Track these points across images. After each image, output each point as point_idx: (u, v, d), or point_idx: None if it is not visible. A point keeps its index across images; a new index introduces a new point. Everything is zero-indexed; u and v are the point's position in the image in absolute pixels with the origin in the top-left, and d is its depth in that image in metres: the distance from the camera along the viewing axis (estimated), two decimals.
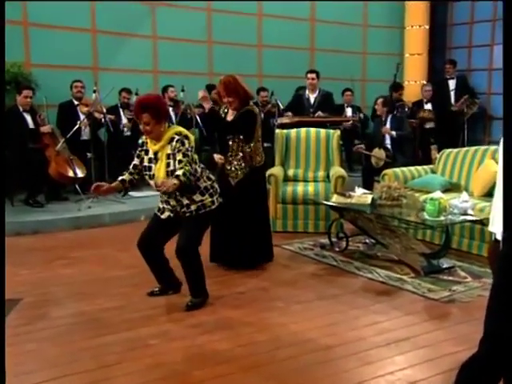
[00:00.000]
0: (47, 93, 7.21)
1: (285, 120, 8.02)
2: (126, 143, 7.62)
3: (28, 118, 6.84)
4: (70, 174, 6.67)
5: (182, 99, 8.18)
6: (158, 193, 3.94)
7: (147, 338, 3.47)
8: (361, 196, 5.20)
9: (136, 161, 3.97)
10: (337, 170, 6.03)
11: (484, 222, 4.53)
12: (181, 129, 3.89)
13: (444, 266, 4.77)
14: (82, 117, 7.37)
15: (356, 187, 5.54)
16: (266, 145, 6.43)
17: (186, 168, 3.68)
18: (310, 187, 6.00)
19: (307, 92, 8.43)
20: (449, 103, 9.50)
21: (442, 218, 4.58)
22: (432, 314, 3.92)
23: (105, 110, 7.41)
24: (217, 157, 4.79)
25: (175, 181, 3.61)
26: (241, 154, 4.69)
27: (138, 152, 3.98)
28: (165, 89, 8.29)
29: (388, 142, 7.40)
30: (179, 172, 3.66)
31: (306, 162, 6.37)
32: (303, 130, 6.51)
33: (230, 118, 4.70)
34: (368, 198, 5.09)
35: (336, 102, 8.96)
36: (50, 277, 4.68)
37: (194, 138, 4.05)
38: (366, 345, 3.39)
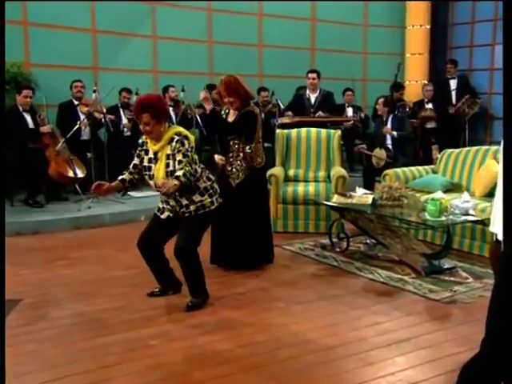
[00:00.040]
0: (47, 93, 7.20)
1: (285, 120, 8.01)
2: (126, 143, 7.62)
3: (28, 117, 6.83)
4: (70, 174, 6.66)
5: (182, 99, 8.17)
6: (157, 193, 3.93)
7: (147, 339, 3.46)
8: (362, 196, 5.19)
9: (136, 160, 3.96)
10: (337, 170, 6.02)
11: (485, 223, 4.52)
12: (181, 129, 3.87)
13: (445, 267, 4.76)
14: (82, 117, 7.36)
15: (357, 187, 5.53)
16: (266, 145, 6.43)
17: (187, 169, 3.67)
18: (311, 187, 5.99)
19: (308, 92, 8.42)
20: (449, 104, 9.49)
21: (443, 218, 4.57)
22: (433, 314, 3.90)
23: (105, 110, 7.40)
24: (217, 157, 4.78)
25: (175, 182, 3.60)
26: (242, 155, 4.68)
27: (137, 152, 3.97)
28: (165, 89, 8.28)
29: (389, 142, 7.39)
30: (179, 173, 3.65)
31: (307, 162, 6.35)
32: (304, 129, 6.50)
33: (231, 118, 4.69)
34: (369, 199, 5.08)
35: (337, 102, 8.95)
36: (49, 277, 4.67)
37: (194, 138, 4.05)
38: (367, 345, 3.38)
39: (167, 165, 3.76)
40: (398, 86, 9.31)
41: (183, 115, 8.16)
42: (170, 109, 7.94)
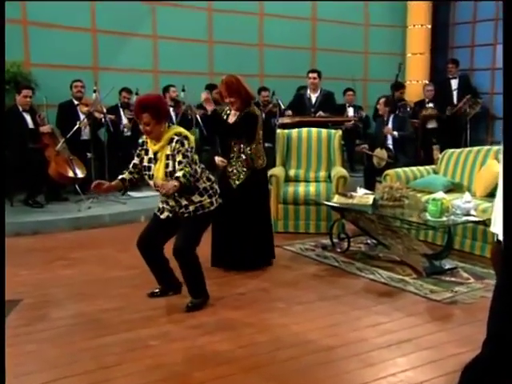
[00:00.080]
0: (47, 92, 7.19)
1: (286, 120, 8.00)
2: (126, 143, 7.61)
3: (28, 117, 6.82)
4: (70, 174, 6.65)
5: (182, 99, 8.16)
6: (157, 193, 3.93)
7: (147, 339, 3.45)
8: (362, 196, 5.18)
9: (136, 160, 3.96)
10: (338, 171, 6.01)
11: (487, 223, 4.51)
12: (181, 129, 3.86)
13: (446, 267, 4.75)
14: (82, 117, 7.35)
15: (358, 187, 5.52)
16: (267, 145, 6.43)
17: (186, 169, 3.66)
18: (312, 187, 5.98)
19: (308, 92, 8.41)
20: (449, 104, 9.47)
21: (445, 218, 4.56)
22: (434, 315, 3.89)
23: (105, 110, 7.39)
24: (218, 159, 4.76)
25: (175, 183, 3.60)
26: (243, 157, 4.66)
27: (138, 151, 3.96)
28: (166, 89, 8.27)
29: (390, 142, 7.39)
30: (179, 173, 3.64)
31: (308, 162, 6.34)
32: (304, 129, 6.49)
33: (231, 119, 4.68)
34: (370, 199, 5.07)
35: (338, 102, 8.93)
36: (49, 277, 4.67)
37: (195, 138, 4.03)
38: (368, 346, 3.37)
39: (167, 165, 3.75)
40: (398, 85, 9.29)
41: (183, 115, 8.15)
42: (171, 109, 7.93)
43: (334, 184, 5.87)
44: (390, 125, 7.40)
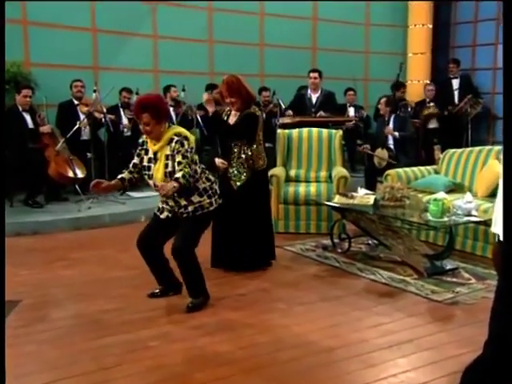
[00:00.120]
0: (47, 92, 7.17)
1: (286, 120, 7.98)
2: (126, 143, 7.60)
3: (27, 117, 6.81)
4: (70, 174, 6.64)
5: (182, 99, 8.14)
6: (157, 193, 3.91)
7: (147, 340, 3.44)
8: (363, 197, 5.17)
9: (136, 160, 3.95)
10: (339, 171, 6.00)
11: (488, 223, 4.48)
12: (180, 129, 3.85)
13: (447, 268, 4.73)
14: (81, 117, 7.34)
15: (358, 188, 5.51)
16: (267, 145, 6.41)
17: (186, 170, 3.65)
18: (312, 188, 5.96)
19: (309, 91, 8.39)
20: (450, 104, 9.46)
21: (446, 218, 4.55)
22: (435, 315, 3.88)
23: (105, 110, 7.38)
24: (219, 161, 4.74)
25: (174, 184, 3.59)
26: (243, 157, 4.65)
27: (138, 151, 3.96)
28: (167, 88, 8.25)
29: (391, 142, 7.37)
30: (178, 174, 3.63)
31: (308, 163, 6.33)
32: (305, 129, 6.48)
33: (232, 119, 4.67)
34: (371, 199, 5.06)
35: (338, 102, 8.91)
36: (49, 278, 4.66)
37: (195, 139, 4.02)
38: (369, 347, 3.36)
39: (166, 165, 3.74)
40: (398, 85, 9.30)
41: (184, 116, 8.13)
42: (171, 109, 7.93)
43: (334, 184, 5.86)
44: (390, 125, 7.38)
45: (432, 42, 10.76)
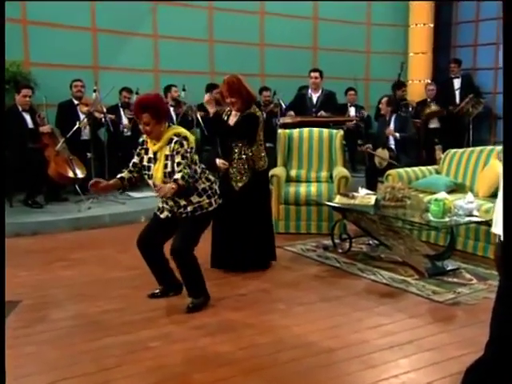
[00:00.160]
0: (47, 92, 7.16)
1: (287, 120, 7.97)
2: (126, 143, 7.58)
3: (27, 117, 6.80)
4: (70, 174, 6.63)
5: (183, 99, 8.13)
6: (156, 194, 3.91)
7: (148, 341, 3.44)
8: (364, 197, 5.16)
9: (136, 159, 3.94)
10: (340, 171, 5.99)
11: (489, 224, 4.46)
12: (180, 129, 3.84)
13: (449, 268, 4.72)
14: (81, 116, 7.33)
15: (359, 188, 5.50)
16: (268, 145, 6.40)
17: (185, 171, 3.64)
18: (313, 188, 5.95)
19: (310, 91, 8.38)
20: (452, 103, 9.44)
21: (447, 219, 4.54)
22: (436, 316, 3.87)
23: (105, 110, 7.37)
24: (219, 161, 4.73)
25: (173, 185, 3.58)
26: (244, 158, 4.64)
27: (138, 150, 3.95)
28: (168, 88, 8.24)
29: (392, 142, 7.36)
30: (178, 175, 3.62)
31: (309, 163, 6.32)
32: (306, 129, 6.47)
33: (232, 119, 4.66)
34: (371, 199, 5.05)
35: (339, 102, 8.89)
36: (49, 278, 4.65)
37: (195, 139, 4.01)
38: (370, 348, 3.35)
39: (165, 165, 3.74)
40: (399, 84, 9.29)
41: (184, 116, 8.12)
42: (171, 109, 7.92)
43: (335, 184, 5.85)
44: (391, 124, 7.37)
45: (433, 41, 10.74)
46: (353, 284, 4.50)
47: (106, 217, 6.43)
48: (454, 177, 5.97)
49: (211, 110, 4.75)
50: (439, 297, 4.14)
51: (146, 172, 3.86)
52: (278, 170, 6.05)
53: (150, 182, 3.85)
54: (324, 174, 6.24)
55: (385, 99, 7.50)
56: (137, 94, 7.67)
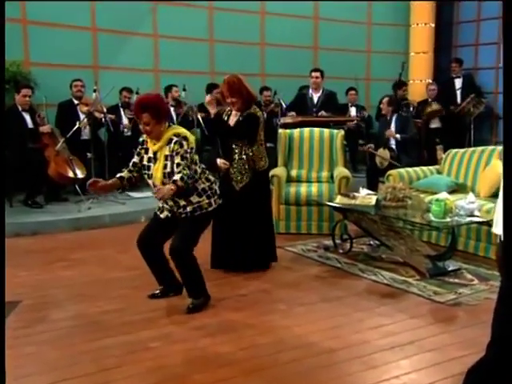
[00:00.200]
0: (47, 92, 7.15)
1: (288, 120, 7.96)
2: (127, 143, 7.57)
3: (27, 117, 6.78)
4: (70, 174, 6.61)
5: (183, 99, 8.12)
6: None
7: (148, 341, 3.43)
8: (365, 197, 5.15)
9: (136, 159, 3.93)
10: (341, 171, 5.97)
11: (491, 224, 4.43)
12: (180, 129, 3.83)
13: (450, 269, 4.71)
14: (81, 116, 7.32)
15: (360, 188, 5.49)
16: (268, 145, 6.38)
17: (184, 172, 3.64)
18: (314, 188, 5.94)
19: (310, 91, 8.36)
20: (453, 103, 9.43)
21: (448, 219, 4.53)
22: (438, 317, 3.86)
23: (105, 110, 7.35)
24: (220, 161, 4.72)
25: (172, 186, 3.58)
26: (244, 158, 4.63)
27: (138, 150, 3.94)
28: (168, 88, 8.22)
29: (393, 142, 7.35)
30: (177, 177, 3.61)
31: (310, 163, 6.31)
32: (306, 129, 6.46)
33: (233, 119, 4.65)
34: (372, 199, 5.04)
35: (340, 102, 8.88)
36: (49, 279, 4.64)
37: (195, 138, 4.00)
38: (371, 348, 3.34)
39: (165, 166, 3.73)
40: (400, 84, 9.27)
41: (185, 116, 8.10)
42: (172, 109, 7.90)
43: (336, 184, 5.84)
44: (392, 125, 7.36)
45: (434, 41, 10.73)
46: (354, 284, 4.49)
47: (106, 217, 6.42)
48: (456, 177, 5.96)
49: (212, 110, 4.75)
50: (440, 297, 4.12)
51: (146, 172, 3.85)
52: (279, 170, 6.04)
53: (150, 181, 3.85)
54: (325, 174, 6.23)
55: (386, 99, 7.49)
56: (137, 93, 7.65)
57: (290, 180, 6.14)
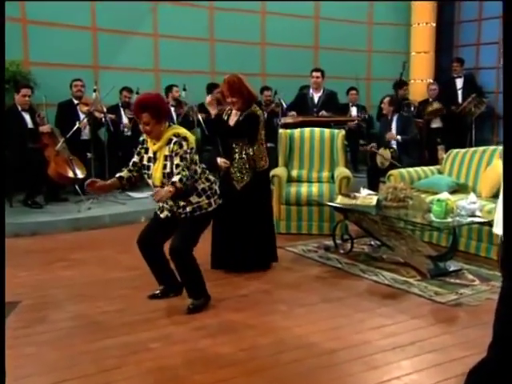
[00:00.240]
0: (46, 92, 7.13)
1: (288, 120, 7.95)
2: (127, 143, 7.56)
3: (27, 117, 6.77)
4: (70, 174, 6.60)
5: (183, 98, 8.11)
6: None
7: (148, 342, 3.42)
8: (366, 197, 5.14)
9: (136, 158, 3.92)
10: (341, 171, 5.96)
11: (492, 224, 4.45)
12: (180, 129, 3.82)
13: (451, 269, 4.70)
14: (81, 116, 7.31)
15: (361, 188, 5.48)
16: (269, 145, 6.37)
17: (183, 173, 3.62)
18: (314, 188, 5.93)
19: (311, 91, 8.35)
20: (454, 103, 9.42)
21: (449, 219, 4.52)
22: (439, 317, 3.85)
23: (105, 110, 7.34)
24: (221, 160, 4.71)
25: (170, 188, 3.56)
26: (245, 157, 4.62)
27: (138, 149, 3.93)
28: (169, 88, 8.21)
29: (394, 142, 7.33)
30: (175, 178, 3.60)
31: (310, 163, 6.30)
32: (307, 129, 6.45)
33: (233, 118, 4.65)
34: (373, 199, 5.03)
35: (341, 102, 8.86)
36: (49, 279, 4.63)
37: (196, 138, 3.99)
38: (372, 349, 3.33)
39: (164, 166, 3.72)
40: (400, 83, 9.26)
41: (185, 116, 8.09)
42: (172, 109, 7.89)
43: (337, 184, 5.83)
44: (393, 124, 7.34)
45: (435, 40, 10.72)
46: (354, 285, 4.48)
47: (106, 217, 6.41)
48: (457, 177, 5.95)
49: (213, 111, 4.75)
50: (441, 298, 4.11)
51: (146, 172, 3.84)
52: (279, 170, 6.03)
53: (150, 181, 3.84)
54: (325, 174, 6.22)
55: (387, 99, 7.48)
56: (137, 93, 7.63)
57: (290, 180, 6.13)
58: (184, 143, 3.69)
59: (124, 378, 3.00)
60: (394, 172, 6.05)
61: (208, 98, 4.89)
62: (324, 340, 3.44)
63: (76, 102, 7.45)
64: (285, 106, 8.38)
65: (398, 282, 4.46)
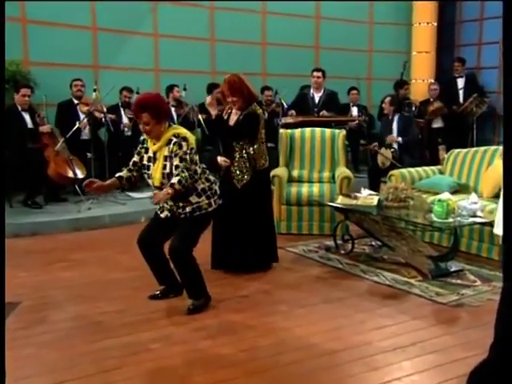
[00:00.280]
0: (46, 91, 7.12)
1: (289, 120, 7.94)
2: (127, 143, 7.55)
3: (27, 117, 6.76)
4: (70, 174, 6.59)
5: (184, 98, 8.10)
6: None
7: (148, 342, 3.41)
8: (367, 197, 5.14)
9: (136, 158, 3.91)
10: (342, 171, 5.95)
11: (493, 224, 4.44)
12: (180, 130, 3.81)
13: (452, 269, 4.69)
14: (81, 116, 7.30)
15: (362, 188, 5.48)
16: (269, 145, 6.36)
17: (183, 175, 3.61)
18: (315, 188, 5.92)
19: (312, 91, 8.34)
20: (455, 103, 9.40)
21: (451, 219, 4.52)
22: (440, 318, 3.84)
23: (105, 110, 7.34)
24: (221, 159, 4.71)
25: (169, 190, 3.56)
26: (245, 156, 4.61)
27: (138, 149, 3.92)
28: (170, 88, 8.20)
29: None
30: (174, 180, 3.59)
31: (311, 163, 6.29)
32: (308, 129, 6.44)
33: (233, 117, 4.64)
34: (374, 200, 5.02)
35: (341, 101, 8.85)
36: (49, 279, 4.62)
37: (196, 138, 3.98)
38: (372, 350, 3.33)
39: (164, 166, 3.71)
40: (401, 83, 9.25)
41: (185, 117, 8.08)
42: (173, 109, 7.88)
43: (337, 185, 5.82)
44: (394, 124, 7.35)
45: (437, 40, 10.69)
46: (355, 285, 4.47)
47: (106, 217, 6.40)
48: (458, 177, 5.94)
49: (213, 112, 4.74)
50: (443, 298, 4.10)
51: (146, 171, 3.84)
52: (280, 171, 6.02)
53: (150, 181, 3.83)
54: (326, 174, 6.21)
55: (388, 99, 7.47)
56: (137, 93, 7.62)
57: (291, 180, 6.13)
58: (183, 144, 3.67)
59: (124, 379, 3.00)
60: (394, 172, 6.04)
61: (208, 99, 4.90)
62: (324, 341, 3.43)
63: (76, 101, 7.45)
64: (285, 105, 8.38)
65: (398, 283, 4.45)
